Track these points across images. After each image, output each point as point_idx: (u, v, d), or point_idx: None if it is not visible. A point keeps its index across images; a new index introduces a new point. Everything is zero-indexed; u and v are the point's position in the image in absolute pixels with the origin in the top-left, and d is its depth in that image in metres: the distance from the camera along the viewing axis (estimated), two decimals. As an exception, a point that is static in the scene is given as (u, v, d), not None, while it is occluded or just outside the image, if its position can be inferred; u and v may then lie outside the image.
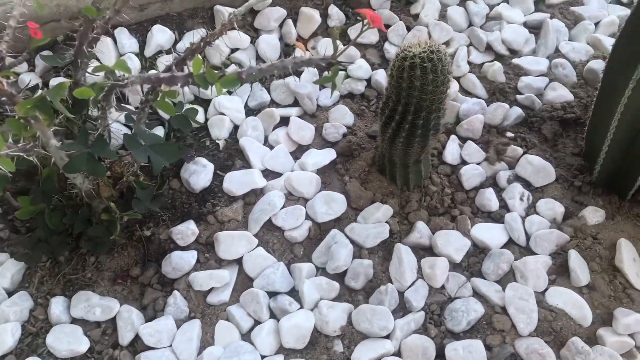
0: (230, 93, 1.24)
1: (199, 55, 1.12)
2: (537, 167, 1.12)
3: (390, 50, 1.28)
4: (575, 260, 1.00)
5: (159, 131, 1.18)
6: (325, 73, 1.19)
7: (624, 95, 0.90)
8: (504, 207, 1.10)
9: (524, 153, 1.15)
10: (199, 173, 1.11)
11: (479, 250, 1.06)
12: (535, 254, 1.04)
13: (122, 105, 1.09)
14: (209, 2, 1.29)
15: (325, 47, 1.27)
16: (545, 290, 1.00)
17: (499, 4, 1.36)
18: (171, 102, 1.09)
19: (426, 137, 0.95)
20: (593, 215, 1.06)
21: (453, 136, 1.18)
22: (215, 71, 0.77)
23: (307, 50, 1.27)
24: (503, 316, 0.97)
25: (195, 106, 1.19)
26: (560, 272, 1.01)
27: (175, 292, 1.02)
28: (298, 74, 1.25)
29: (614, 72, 0.94)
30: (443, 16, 1.33)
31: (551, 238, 1.04)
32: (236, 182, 1.11)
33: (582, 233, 1.04)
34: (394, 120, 0.94)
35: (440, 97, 0.89)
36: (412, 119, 0.92)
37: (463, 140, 1.18)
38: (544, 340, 0.94)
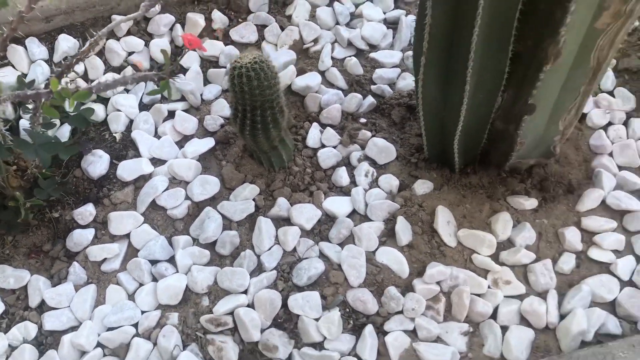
0: (127, 91, 1.44)
1: (96, 56, 1.32)
2: (381, 147, 1.33)
3: (266, 48, 1.48)
4: (401, 224, 1.22)
5: (66, 128, 1.38)
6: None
7: (419, 91, 1.11)
8: (354, 182, 1.32)
9: (373, 136, 1.36)
10: (96, 163, 1.32)
11: (329, 219, 1.28)
12: (371, 220, 1.26)
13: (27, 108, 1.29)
14: (107, 12, 1.48)
15: (210, 46, 1.47)
16: (376, 250, 1.22)
17: (363, 3, 1.56)
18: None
19: (267, 130, 1.16)
20: (421, 187, 1.28)
21: (315, 123, 1.38)
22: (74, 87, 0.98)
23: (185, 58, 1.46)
24: (339, 272, 1.19)
25: (97, 104, 1.40)
26: (389, 235, 1.24)
27: (75, 262, 1.23)
28: (184, 71, 1.45)
29: (414, 66, 1.14)
30: (313, 16, 1.52)
31: (383, 207, 1.26)
32: (127, 169, 1.32)
33: (411, 202, 1.26)
34: (239, 117, 1.14)
35: (270, 98, 1.10)
36: (251, 116, 1.13)
37: (324, 126, 1.39)
38: (368, 290, 1.17)
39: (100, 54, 1.47)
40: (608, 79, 1.38)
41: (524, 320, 1.13)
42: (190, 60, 1.47)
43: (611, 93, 1.38)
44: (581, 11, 0.89)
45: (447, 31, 0.97)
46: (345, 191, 1.31)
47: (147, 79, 0.96)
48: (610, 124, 1.35)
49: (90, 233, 1.26)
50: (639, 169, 1.31)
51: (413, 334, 1.13)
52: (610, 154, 1.31)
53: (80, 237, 1.25)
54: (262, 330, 1.14)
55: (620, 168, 1.31)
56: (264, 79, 1.06)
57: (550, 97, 1.06)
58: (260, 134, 1.16)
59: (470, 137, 1.20)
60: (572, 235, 1.20)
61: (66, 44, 1.46)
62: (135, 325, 1.16)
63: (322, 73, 1.45)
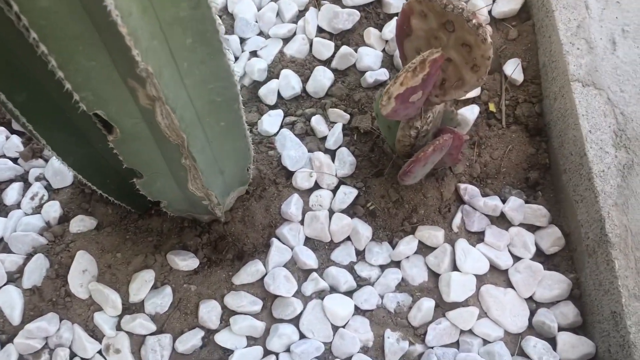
0: None
1: None
2: (57, 169, 1.19)
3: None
4: (34, 264, 1.10)
5: None
6: None
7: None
8: (18, 204, 1.19)
9: (58, 154, 1.22)
10: None
11: (-24, 240, 1.15)
12: (12, 252, 1.14)
13: None
14: None
15: None
16: (4, 285, 1.10)
17: None
18: None
19: None
20: (78, 224, 1.15)
21: (3, 128, 1.25)
22: None
23: None
24: (-52, 305, 1.08)
25: None
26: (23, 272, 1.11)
27: None
28: None
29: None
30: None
31: (27, 240, 1.13)
32: None
33: (61, 239, 1.14)
34: None
35: None
36: None
37: (14, 133, 1.25)
38: (-29, 332, 1.06)
39: None
40: (332, 136, 1.22)
41: (115, 398, 1.02)
42: None
43: (333, 152, 1.23)
44: (107, 89, 0.74)
45: None
46: (7, 212, 1.19)
47: None
48: (317, 187, 1.20)
49: None
50: (328, 245, 1.17)
51: (-5, 390, 1.03)
52: (302, 222, 1.17)
53: None
54: None
55: (309, 240, 1.17)
56: None
57: (154, 165, 0.91)
58: None
59: (124, 181, 1.06)
60: (208, 311, 1.07)
61: None
62: None
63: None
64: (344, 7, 1.32)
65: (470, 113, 1.20)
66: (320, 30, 1.33)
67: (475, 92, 1.23)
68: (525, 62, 1.24)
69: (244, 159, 1.04)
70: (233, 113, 0.90)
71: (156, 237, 1.17)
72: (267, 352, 1.06)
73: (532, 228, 1.15)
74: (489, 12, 1.29)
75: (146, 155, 0.89)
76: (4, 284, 1.11)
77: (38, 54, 0.66)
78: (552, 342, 1.04)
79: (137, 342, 1.07)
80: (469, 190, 1.16)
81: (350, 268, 1.14)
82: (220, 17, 1.38)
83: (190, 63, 0.75)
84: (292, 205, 1.15)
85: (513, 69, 1.22)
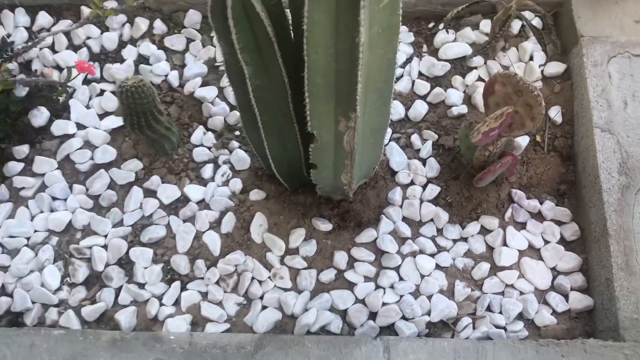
0: (78, 66, 1.93)
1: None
2: (240, 157, 1.79)
3: (188, 58, 1.93)
4: (228, 218, 1.70)
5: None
6: None
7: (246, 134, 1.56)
8: (213, 178, 1.80)
9: (239, 147, 1.82)
10: (38, 117, 1.81)
11: (185, 200, 1.76)
12: (212, 209, 1.74)
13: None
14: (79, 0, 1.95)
15: (146, 47, 1.93)
16: (206, 231, 1.71)
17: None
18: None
19: (143, 129, 1.64)
20: (255, 195, 1.74)
21: (202, 126, 1.85)
22: None
23: None
24: (172, 240, 1.69)
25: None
26: (219, 223, 1.72)
27: (3, 185, 1.76)
28: (122, 61, 1.92)
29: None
30: (229, 42, 1.96)
31: (222, 202, 1.73)
32: (58, 127, 1.82)
33: (244, 204, 1.73)
34: (127, 120, 1.62)
35: (144, 108, 1.57)
36: (133, 119, 1.61)
37: (208, 130, 1.86)
38: (187, 257, 1.67)
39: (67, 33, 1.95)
40: (425, 149, 1.80)
41: (279, 306, 1.62)
42: (129, 54, 1.94)
43: (424, 160, 1.80)
44: (324, 121, 1.32)
45: (246, 105, 1.41)
46: (204, 183, 1.79)
47: (53, 84, 1.44)
48: (412, 183, 1.78)
49: (20, 166, 1.78)
50: (418, 223, 1.75)
51: (204, 295, 1.64)
52: (401, 206, 1.75)
53: (12, 167, 1.77)
54: (107, 265, 1.66)
55: (405, 219, 1.75)
56: (138, 97, 1.53)
57: (326, 163, 1.50)
58: (141, 132, 1.64)
59: (292, 170, 1.65)
60: (340, 257, 1.66)
61: (43, 19, 1.94)
62: (28, 239, 1.69)
63: (221, 89, 1.90)
64: (439, 59, 1.89)
65: (523, 141, 1.77)
66: (420, 74, 1.90)
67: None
68: (563, 110, 1.79)
69: (375, 162, 1.62)
70: (380, 135, 1.48)
71: (302, 208, 1.76)
72: (377, 287, 1.64)
73: (559, 223, 1.71)
74: (542, 72, 1.85)
75: (327, 156, 1.47)
76: (207, 229, 1.71)
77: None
78: (566, 297, 1.61)
79: (294, 273, 1.66)
80: (518, 194, 1.72)
81: (432, 239, 1.72)
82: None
83: (371, 109, 1.33)
84: (397, 194, 1.73)
85: (555, 113, 1.77)
